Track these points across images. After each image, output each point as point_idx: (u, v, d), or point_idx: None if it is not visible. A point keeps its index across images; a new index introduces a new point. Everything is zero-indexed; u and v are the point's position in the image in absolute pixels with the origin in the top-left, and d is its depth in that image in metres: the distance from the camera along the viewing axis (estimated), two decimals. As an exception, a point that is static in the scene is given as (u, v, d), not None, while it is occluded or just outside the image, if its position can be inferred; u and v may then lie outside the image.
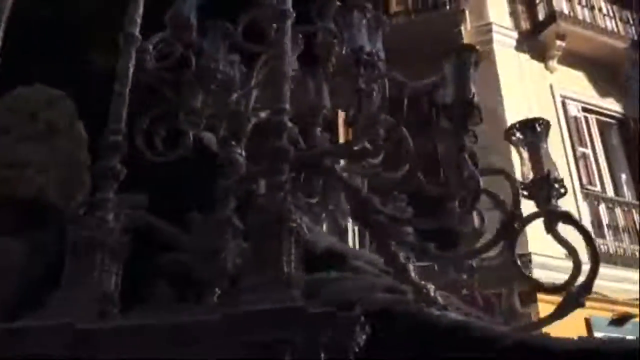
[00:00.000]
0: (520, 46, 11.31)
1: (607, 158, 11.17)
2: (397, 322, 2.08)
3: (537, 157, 2.22)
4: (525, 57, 11.28)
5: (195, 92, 2.65)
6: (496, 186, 3.02)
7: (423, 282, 2.11)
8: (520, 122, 2.30)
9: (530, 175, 2.31)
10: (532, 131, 2.27)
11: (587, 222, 10.15)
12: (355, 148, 2.33)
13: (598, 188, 10.72)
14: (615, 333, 8.97)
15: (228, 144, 2.55)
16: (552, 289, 2.19)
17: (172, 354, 1.89)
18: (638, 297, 8.48)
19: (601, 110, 11.46)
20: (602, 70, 11.34)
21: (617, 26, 11.86)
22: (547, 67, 11.28)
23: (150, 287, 2.49)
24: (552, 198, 2.18)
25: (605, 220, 10.40)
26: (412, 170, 2.37)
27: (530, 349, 1.83)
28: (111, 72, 2.69)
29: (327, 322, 1.90)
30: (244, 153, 2.62)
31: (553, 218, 2.20)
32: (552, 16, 11.22)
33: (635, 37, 11.67)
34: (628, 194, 10.97)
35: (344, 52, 2.33)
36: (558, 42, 11.15)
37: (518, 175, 2.80)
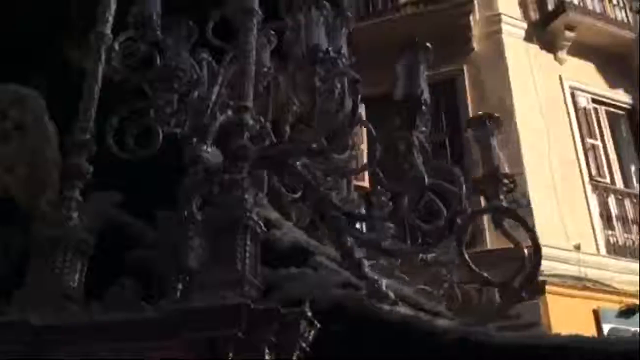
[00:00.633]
0: (529, 37, 11.18)
1: (617, 149, 11.05)
2: (348, 318, 2.10)
3: (488, 153, 2.22)
4: (534, 47, 11.16)
5: (162, 90, 2.69)
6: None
7: (376, 277, 2.12)
8: (471, 119, 2.30)
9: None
10: (483, 127, 2.27)
11: (596, 213, 10.09)
12: (314, 146, 2.34)
13: (607, 180, 10.62)
14: (623, 325, 8.91)
15: (191, 141, 2.58)
16: (499, 284, 2.19)
17: (119, 350, 1.93)
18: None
19: (611, 102, 11.32)
20: (612, 61, 11.19)
21: (627, 16, 11.70)
22: (556, 58, 11.15)
23: (116, 283, 2.54)
24: (501, 194, 2.18)
25: (614, 211, 10.31)
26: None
27: (471, 343, 1.85)
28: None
29: (271, 318, 1.93)
30: (209, 150, 2.65)
31: (499, 214, 2.20)
32: (562, 7, 11.09)
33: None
34: (637, 186, 10.86)
35: (301, 49, 2.35)
36: (567, 33, 11.02)
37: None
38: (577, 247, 9.46)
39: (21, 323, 2.05)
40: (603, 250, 9.81)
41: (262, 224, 2.27)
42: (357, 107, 2.26)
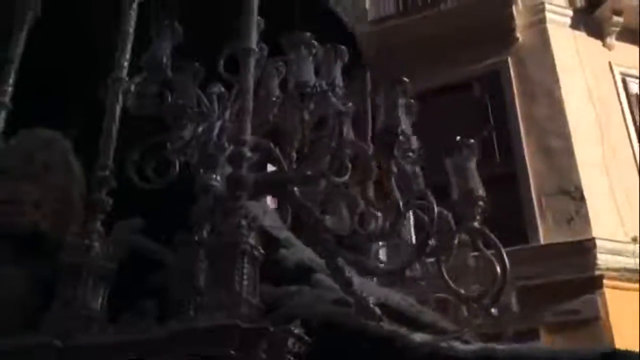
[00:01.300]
0: (575, 24, 11.03)
1: (670, 135, 10.80)
2: (337, 334, 2.31)
3: (464, 175, 2.37)
4: (581, 35, 10.99)
5: (173, 126, 2.95)
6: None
7: (364, 295, 2.32)
8: (448, 145, 2.45)
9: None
10: (458, 152, 2.42)
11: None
12: (309, 173, 2.55)
13: (661, 165, 10.40)
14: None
15: (201, 171, 2.84)
16: (466, 299, 2.34)
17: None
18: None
19: (664, 86, 11.07)
20: (663, 45, 10.95)
21: (676, -3, 11.40)
22: (604, 44, 10.96)
23: (138, 305, 2.82)
24: (477, 215, 2.33)
25: (668, 198, 10.09)
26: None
27: (442, 357, 2.02)
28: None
29: (260, 337, 2.16)
30: (219, 179, 2.89)
31: (473, 235, 2.34)
32: (607, -9, 10.93)
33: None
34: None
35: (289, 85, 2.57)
36: (615, 18, 10.82)
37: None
38: (635, 240, 9.28)
39: (45, 345, 2.34)
40: (661, 242, 9.61)
41: (260, 248, 2.50)
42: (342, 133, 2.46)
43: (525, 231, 9.60)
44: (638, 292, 8.48)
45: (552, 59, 10.53)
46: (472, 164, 2.36)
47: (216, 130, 2.75)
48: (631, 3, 10.85)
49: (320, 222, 2.51)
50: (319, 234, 2.51)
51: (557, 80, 10.37)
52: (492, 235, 2.24)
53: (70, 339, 2.39)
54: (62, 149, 2.93)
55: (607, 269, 8.90)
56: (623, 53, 10.91)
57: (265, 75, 3.16)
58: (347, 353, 2.25)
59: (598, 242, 8.96)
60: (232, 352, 2.13)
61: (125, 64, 3.06)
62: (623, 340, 7.04)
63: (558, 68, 10.47)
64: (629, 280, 8.91)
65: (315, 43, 2.64)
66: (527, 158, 10.00)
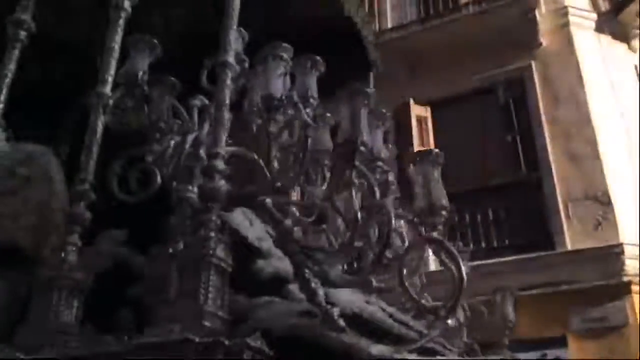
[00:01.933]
0: (600, 28, 10.85)
1: (699, 139, 10.53)
2: (298, 347, 2.30)
3: (428, 185, 2.35)
4: (606, 38, 10.81)
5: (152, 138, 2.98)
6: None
7: (329, 306, 2.31)
8: (413, 154, 2.44)
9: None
10: (422, 161, 2.39)
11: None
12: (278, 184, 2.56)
13: (689, 169, 10.14)
14: None
15: (174, 183, 2.86)
16: (428, 310, 2.31)
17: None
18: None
19: (691, 89, 10.81)
20: (689, 46, 10.71)
21: (701, -2, 11.14)
22: (630, 47, 10.78)
23: (115, 316, 2.85)
24: (439, 225, 2.31)
25: (696, 200, 9.83)
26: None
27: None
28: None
29: (215, 351, 2.16)
30: (195, 190, 2.91)
31: (436, 245, 2.32)
32: (632, -6, 10.72)
33: None
34: None
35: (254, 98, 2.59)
36: (640, 20, 10.65)
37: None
38: (662, 246, 9.06)
39: (10, 360, 2.38)
40: (689, 248, 9.36)
41: (229, 260, 2.51)
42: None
43: (552, 237, 9.43)
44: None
45: (577, 63, 10.36)
46: (437, 174, 2.34)
47: (189, 143, 2.77)
48: (656, 4, 10.65)
49: (289, 233, 2.51)
50: (287, 244, 2.50)
51: (582, 84, 10.19)
52: (451, 246, 2.21)
53: (37, 352, 2.42)
54: (44, 163, 2.98)
55: (636, 275, 8.69)
56: (649, 56, 10.71)
57: (249, 86, 3.18)
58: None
59: (626, 248, 8.76)
60: (188, 365, 2.13)
61: (110, 79, 3.11)
62: (652, 348, 6.90)
63: (583, 72, 10.29)
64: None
65: (285, 55, 2.64)
66: (552, 163, 9.83)
